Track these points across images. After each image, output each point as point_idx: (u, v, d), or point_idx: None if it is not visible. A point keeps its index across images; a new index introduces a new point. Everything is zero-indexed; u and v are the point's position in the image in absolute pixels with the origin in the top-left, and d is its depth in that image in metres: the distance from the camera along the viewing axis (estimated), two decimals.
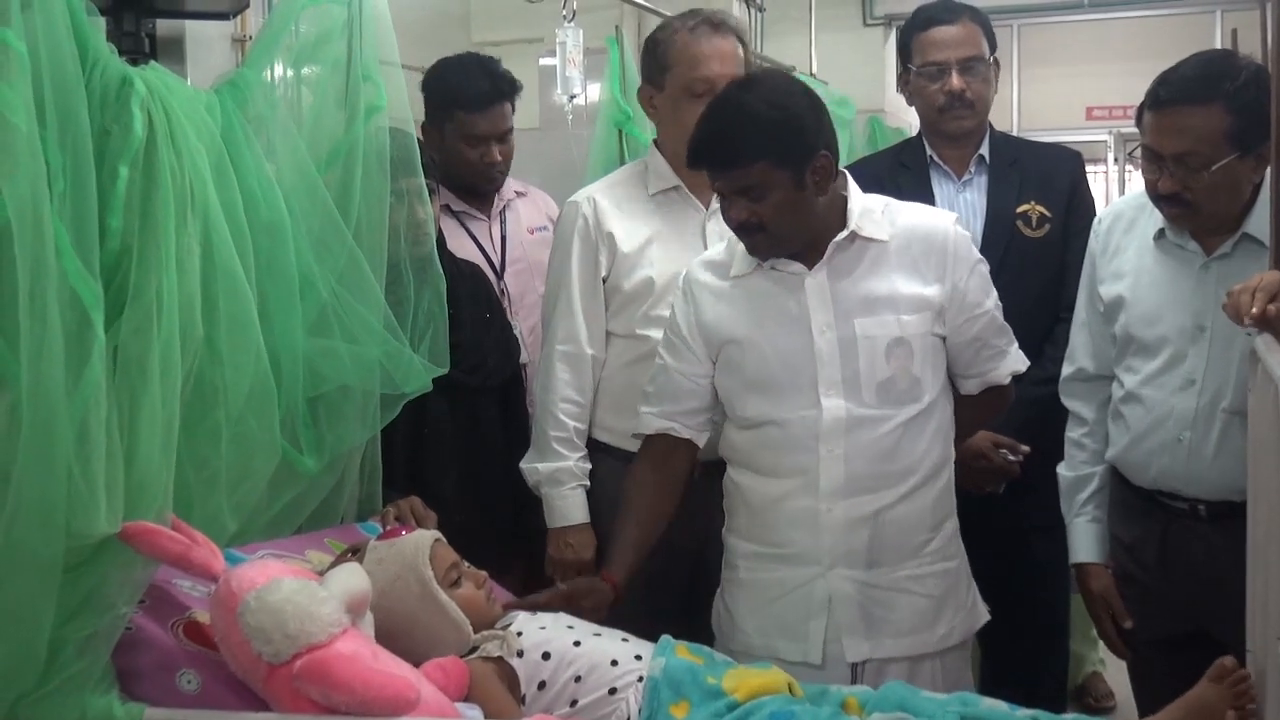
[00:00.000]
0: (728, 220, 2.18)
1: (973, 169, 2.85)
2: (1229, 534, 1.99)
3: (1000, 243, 2.74)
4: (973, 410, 2.34)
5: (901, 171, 2.89)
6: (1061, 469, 2.49)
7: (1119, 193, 8.62)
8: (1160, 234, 2.26)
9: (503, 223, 3.14)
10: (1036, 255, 2.77)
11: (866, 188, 2.88)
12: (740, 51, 2.59)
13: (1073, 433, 2.47)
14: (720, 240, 2.48)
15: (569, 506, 2.56)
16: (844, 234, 2.16)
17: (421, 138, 2.72)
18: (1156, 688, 2.40)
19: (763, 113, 2.09)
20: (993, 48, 2.86)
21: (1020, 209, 2.79)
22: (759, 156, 2.08)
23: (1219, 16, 6.81)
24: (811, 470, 2.18)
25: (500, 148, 3.03)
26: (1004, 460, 2.70)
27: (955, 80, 2.79)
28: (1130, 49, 7.56)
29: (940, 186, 2.85)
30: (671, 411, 2.29)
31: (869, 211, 2.20)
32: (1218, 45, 6.40)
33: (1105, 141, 8.63)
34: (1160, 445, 2.23)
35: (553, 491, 2.56)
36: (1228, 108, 2.06)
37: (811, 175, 2.10)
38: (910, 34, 2.91)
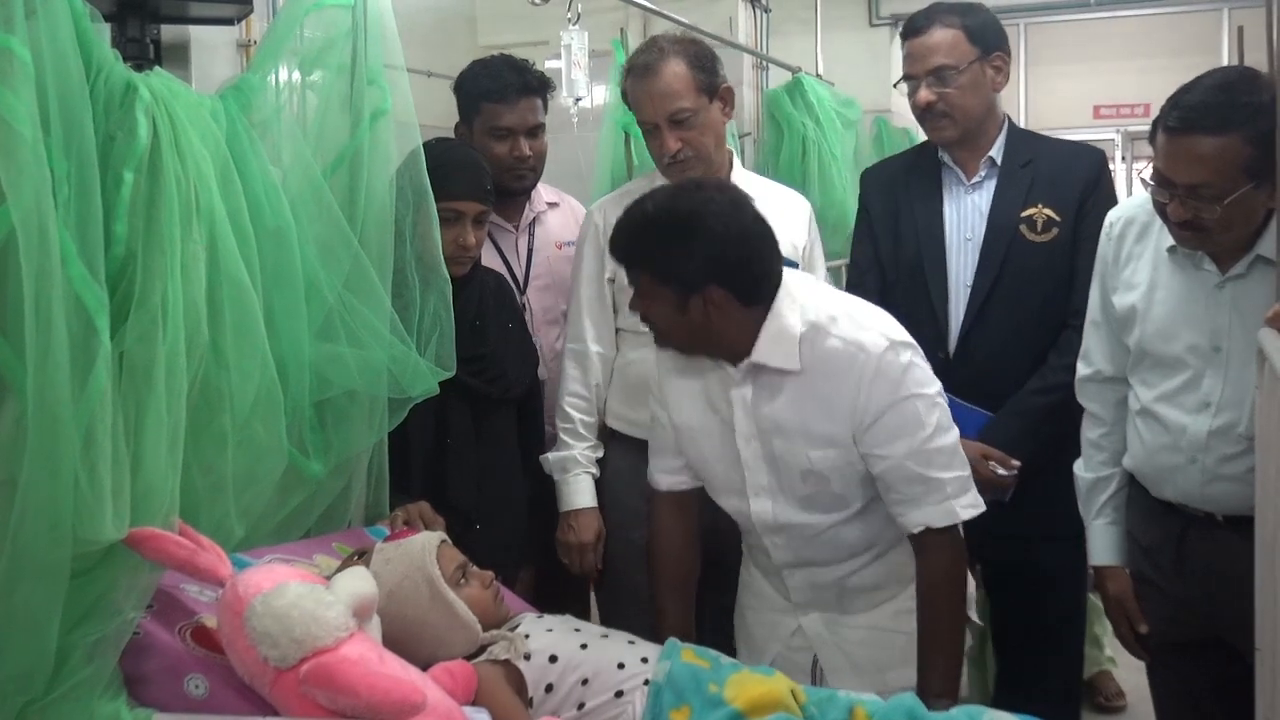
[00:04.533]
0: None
1: (983, 171, 2.80)
2: (1246, 539, 1.94)
3: (1000, 248, 2.72)
4: (918, 557, 2.15)
5: (914, 174, 2.87)
6: (1079, 470, 2.47)
7: (1127, 192, 8.61)
8: (1173, 247, 2.19)
9: (530, 236, 3.08)
10: (1041, 260, 2.70)
11: (881, 190, 2.88)
12: (684, 73, 2.63)
13: (1090, 433, 2.45)
14: None
15: (573, 491, 2.72)
16: (745, 363, 2.10)
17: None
18: (1175, 691, 2.40)
19: (654, 226, 2.04)
20: (988, 46, 2.76)
21: (1025, 213, 2.72)
22: (640, 267, 2.08)
23: (1226, 14, 6.80)
24: (763, 549, 2.27)
25: (530, 142, 2.94)
26: (991, 473, 2.65)
27: (923, 93, 2.76)
28: (1137, 47, 7.55)
29: (950, 189, 2.82)
30: (675, 466, 2.34)
31: (781, 337, 2.07)
32: (1225, 43, 6.40)
33: (1113, 140, 8.62)
34: (1175, 465, 2.20)
35: (561, 478, 2.73)
36: (1246, 138, 1.95)
37: (701, 303, 2.03)
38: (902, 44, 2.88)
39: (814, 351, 2.07)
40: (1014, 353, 2.72)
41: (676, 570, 2.32)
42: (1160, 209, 2.12)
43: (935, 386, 2.12)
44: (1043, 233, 2.71)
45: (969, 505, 2.12)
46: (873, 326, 2.10)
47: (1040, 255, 2.70)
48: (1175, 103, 2.04)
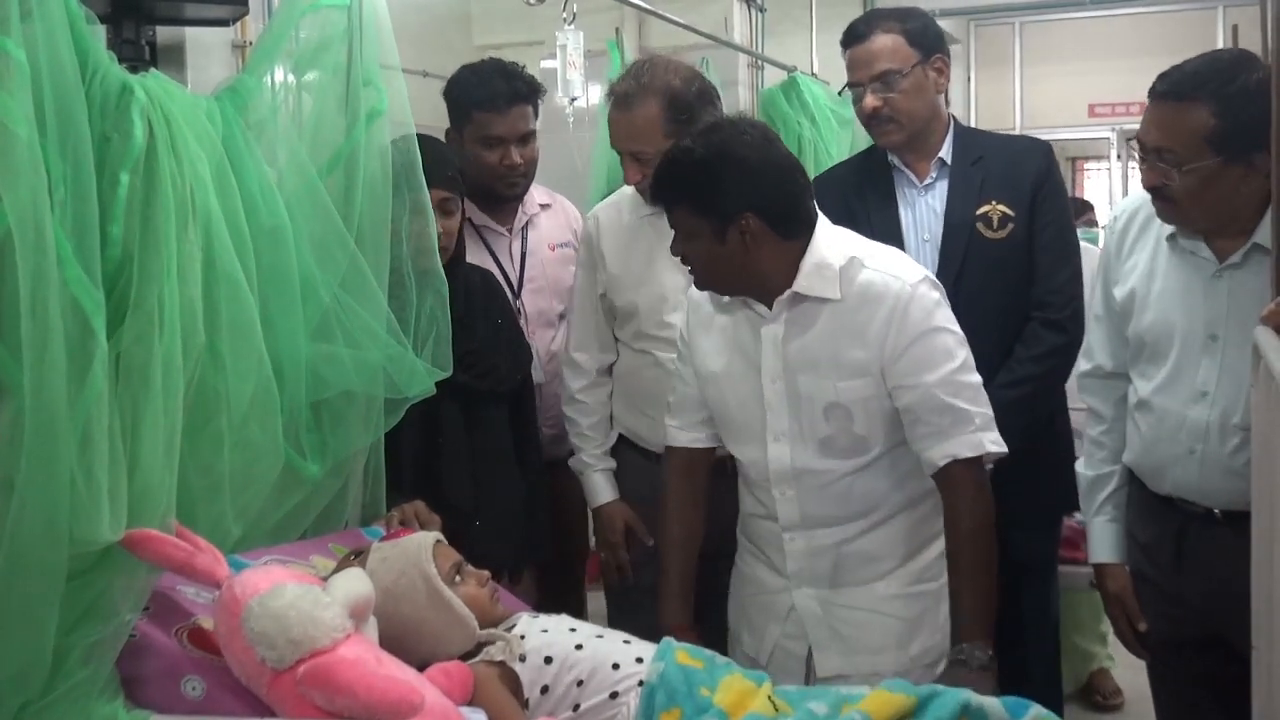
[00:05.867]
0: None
1: (934, 172, 2.81)
2: (1244, 537, 1.94)
3: (959, 247, 2.72)
4: (945, 498, 2.18)
5: (866, 179, 2.87)
6: (1080, 467, 2.48)
7: (1122, 190, 8.62)
8: (1173, 236, 2.22)
9: (524, 239, 3.08)
10: (1000, 256, 2.71)
11: (833, 196, 2.89)
12: (654, 117, 2.62)
13: (1091, 430, 2.46)
14: None
15: (590, 492, 2.87)
16: (786, 294, 2.15)
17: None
18: (1174, 690, 2.40)
19: (689, 160, 2.10)
20: (929, 49, 2.76)
21: (980, 210, 2.72)
22: (678, 201, 2.14)
23: (1221, 12, 6.81)
24: (770, 505, 2.28)
25: (521, 150, 2.95)
26: None
27: (868, 99, 2.75)
28: (1132, 46, 7.56)
29: (903, 192, 2.82)
30: (693, 422, 2.38)
31: (823, 268, 2.14)
32: (1219, 41, 6.40)
33: (1108, 138, 8.64)
34: (1173, 456, 2.21)
35: (582, 480, 2.88)
36: (1214, 111, 2.02)
37: (738, 233, 2.09)
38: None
39: (851, 282, 2.14)
40: (981, 349, 2.72)
41: (681, 528, 2.36)
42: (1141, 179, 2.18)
43: (961, 334, 2.20)
44: (999, 229, 2.72)
45: (995, 442, 2.15)
46: (907, 263, 2.21)
47: (998, 251, 2.72)
48: (1163, 73, 2.12)
